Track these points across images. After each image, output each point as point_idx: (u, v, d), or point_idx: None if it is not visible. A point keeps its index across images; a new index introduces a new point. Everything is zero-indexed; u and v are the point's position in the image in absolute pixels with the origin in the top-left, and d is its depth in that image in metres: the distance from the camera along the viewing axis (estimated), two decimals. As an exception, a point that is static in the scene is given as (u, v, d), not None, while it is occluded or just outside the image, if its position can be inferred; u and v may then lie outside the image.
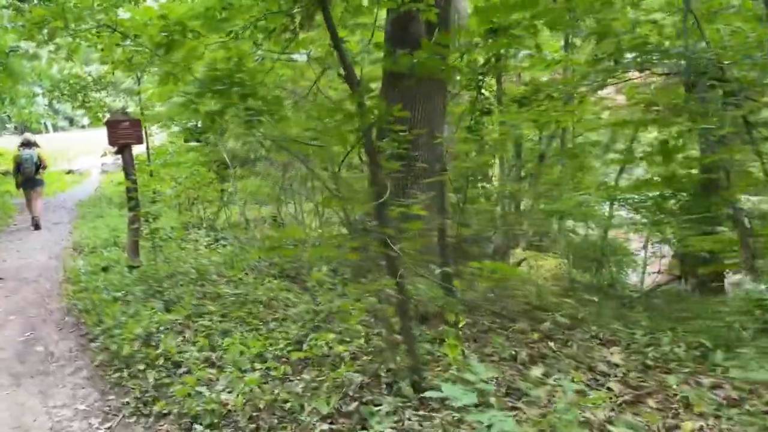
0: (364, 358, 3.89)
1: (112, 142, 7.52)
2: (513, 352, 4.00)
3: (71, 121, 52.49)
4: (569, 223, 11.94)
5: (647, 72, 7.95)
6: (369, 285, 4.44)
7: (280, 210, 9.76)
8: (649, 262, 12.33)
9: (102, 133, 26.73)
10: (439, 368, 3.64)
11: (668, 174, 9.14)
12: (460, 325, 3.95)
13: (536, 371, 3.72)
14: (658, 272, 11.74)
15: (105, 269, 6.99)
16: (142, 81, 16.63)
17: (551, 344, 4.22)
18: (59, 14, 6.97)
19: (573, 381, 3.37)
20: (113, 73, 16.96)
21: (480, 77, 8.22)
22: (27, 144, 11.59)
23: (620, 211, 10.49)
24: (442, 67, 3.68)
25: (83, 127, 52.83)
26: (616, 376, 3.59)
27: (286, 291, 5.76)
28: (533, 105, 7.64)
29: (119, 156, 16.97)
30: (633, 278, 12.77)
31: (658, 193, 9.24)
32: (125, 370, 4.28)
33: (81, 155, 27.18)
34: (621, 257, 13.07)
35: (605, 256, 12.00)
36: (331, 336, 4.15)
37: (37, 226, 11.56)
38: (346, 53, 3.66)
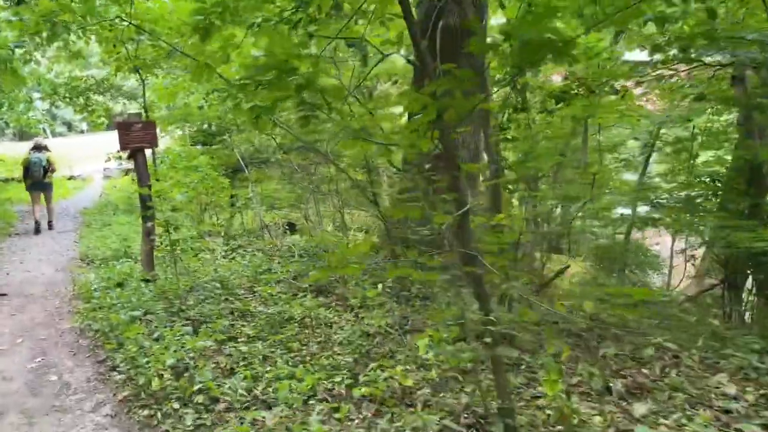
0: (441, 395, 3.33)
1: (123, 146, 6.97)
2: (606, 383, 3.45)
3: (69, 126, 51.84)
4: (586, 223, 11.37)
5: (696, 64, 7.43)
6: (448, 311, 3.87)
7: (307, 216, 9.17)
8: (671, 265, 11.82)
9: (103, 137, 26.31)
10: (533, 409, 3.08)
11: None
12: (563, 357, 3.38)
13: (641, 408, 3.16)
14: (693, 276, 11.20)
15: (120, 285, 6.42)
16: (147, 83, 16.12)
17: (645, 371, 3.66)
18: (67, 6, 6.41)
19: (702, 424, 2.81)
20: (116, 75, 16.46)
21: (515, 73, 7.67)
22: (38, 148, 11.67)
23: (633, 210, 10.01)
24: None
25: (82, 132, 52.22)
26: (746, 415, 3.04)
27: (324, 309, 5.19)
28: (574, 100, 7.10)
29: (121, 162, 16.51)
30: (656, 282, 12.25)
31: (696, 191, 8.74)
32: (155, 407, 3.71)
33: (82, 161, 26.57)
34: (644, 259, 12.56)
35: (631, 257, 11.49)
36: (399, 368, 3.58)
37: (37, 229, 11.58)
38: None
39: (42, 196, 11.72)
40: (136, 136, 6.90)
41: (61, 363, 4.87)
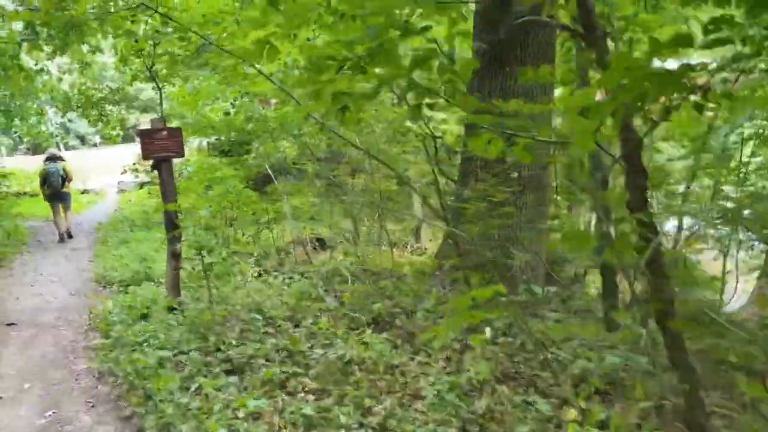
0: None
1: (146, 155, 6.14)
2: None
3: (83, 140, 51.49)
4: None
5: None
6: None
7: (357, 230, 8.28)
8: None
9: (116, 151, 25.78)
10: None
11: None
12: None
13: None
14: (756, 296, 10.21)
15: (145, 316, 5.55)
16: (163, 90, 15.39)
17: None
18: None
19: None
20: (131, 84, 15.74)
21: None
22: (52, 158, 11.66)
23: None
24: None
25: (95, 145, 51.80)
26: None
27: (391, 348, 4.30)
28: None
29: (137, 174, 15.72)
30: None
31: None
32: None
33: (96, 174, 25.93)
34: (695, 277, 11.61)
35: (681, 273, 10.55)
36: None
37: (62, 239, 11.71)
38: None
39: (60, 206, 11.78)
40: (160, 145, 6.08)
41: (76, 418, 4.01)
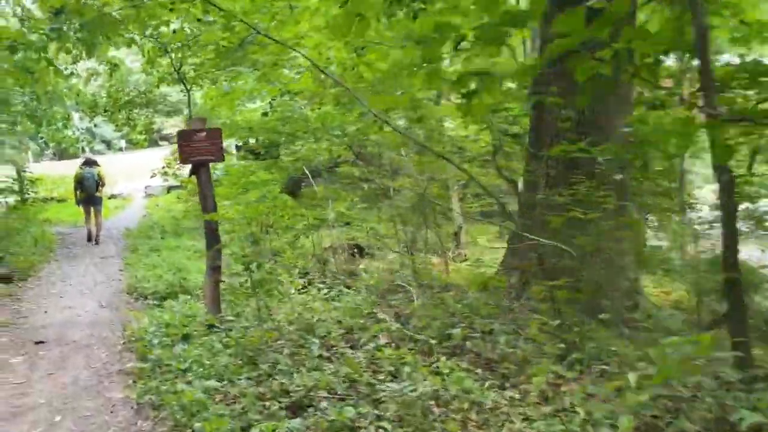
0: None
1: (185, 159, 5.63)
2: None
3: (108, 145, 51.69)
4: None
5: None
6: None
7: (408, 237, 7.69)
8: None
9: (142, 155, 25.69)
10: None
11: None
12: None
13: None
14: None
15: (186, 337, 5.02)
16: (191, 92, 14.97)
17: None
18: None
19: None
20: (158, 87, 15.36)
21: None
22: (88, 163, 12.12)
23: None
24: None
25: (120, 150, 51.91)
26: None
27: (475, 381, 3.70)
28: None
29: (167, 178, 15.31)
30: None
31: None
32: None
33: (122, 179, 25.77)
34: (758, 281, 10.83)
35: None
36: None
37: (90, 239, 12.09)
38: None
39: (93, 209, 12.11)
40: (199, 147, 5.56)
41: (115, 464, 3.48)
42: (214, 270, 5.69)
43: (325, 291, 6.76)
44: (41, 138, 26.10)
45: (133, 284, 7.99)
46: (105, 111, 14.27)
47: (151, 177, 14.11)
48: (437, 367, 3.99)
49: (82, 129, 41.86)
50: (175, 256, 9.02)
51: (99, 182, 11.93)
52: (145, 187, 21.61)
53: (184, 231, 11.73)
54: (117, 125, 15.15)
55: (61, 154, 46.98)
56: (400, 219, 8.76)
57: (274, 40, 4.66)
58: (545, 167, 5.41)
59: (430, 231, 9.41)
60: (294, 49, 4.42)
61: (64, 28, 14.85)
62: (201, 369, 4.21)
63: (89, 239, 12.08)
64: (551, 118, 5.43)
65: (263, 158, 13.66)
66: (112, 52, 18.52)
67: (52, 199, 19.34)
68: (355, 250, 10.39)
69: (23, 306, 7.68)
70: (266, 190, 9.14)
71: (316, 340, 4.61)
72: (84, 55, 17.17)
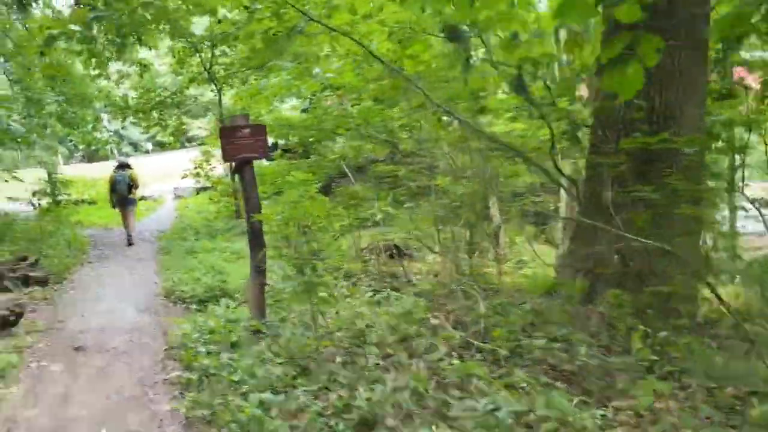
0: None
1: (228, 157, 5.37)
2: None
3: (135, 146, 52.14)
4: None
5: None
6: None
7: (472, 234, 7.35)
8: None
9: (170, 157, 25.60)
10: None
11: None
12: None
13: None
14: None
15: (234, 345, 4.74)
16: (221, 92, 14.82)
17: None
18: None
19: None
20: (188, 87, 15.24)
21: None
22: (122, 166, 12.30)
23: None
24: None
25: (147, 152, 52.29)
26: None
27: (561, 398, 3.35)
28: None
29: (198, 179, 15.13)
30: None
31: None
32: None
33: (151, 181, 25.82)
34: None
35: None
36: None
37: (129, 243, 12.16)
38: None
39: (127, 210, 12.27)
40: (243, 144, 5.29)
41: (168, 485, 3.21)
42: (259, 273, 5.42)
43: (371, 294, 6.47)
44: (71, 141, 26.31)
45: (171, 287, 7.77)
46: (136, 112, 14.15)
47: (182, 178, 13.98)
48: (511, 381, 3.66)
49: (111, 131, 42.26)
50: (212, 258, 8.80)
51: (131, 185, 12.11)
52: (174, 189, 21.56)
53: (217, 232, 11.52)
54: (148, 126, 15.02)
55: (90, 157, 47.53)
56: (441, 219, 8.44)
57: (328, 27, 4.36)
58: (613, 161, 5.03)
59: (474, 230, 9.09)
60: (352, 38, 4.14)
61: (100, 27, 14.83)
62: (253, 381, 3.92)
63: (129, 243, 12.19)
64: (617, 109, 5.05)
65: (302, 157, 13.44)
66: (142, 53, 18.57)
67: (83, 201, 19.37)
68: (394, 251, 10.08)
69: (59, 310, 7.51)
70: (303, 190, 8.87)
71: (374, 349, 4.30)
72: (114, 56, 17.25)
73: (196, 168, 13.45)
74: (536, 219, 12.89)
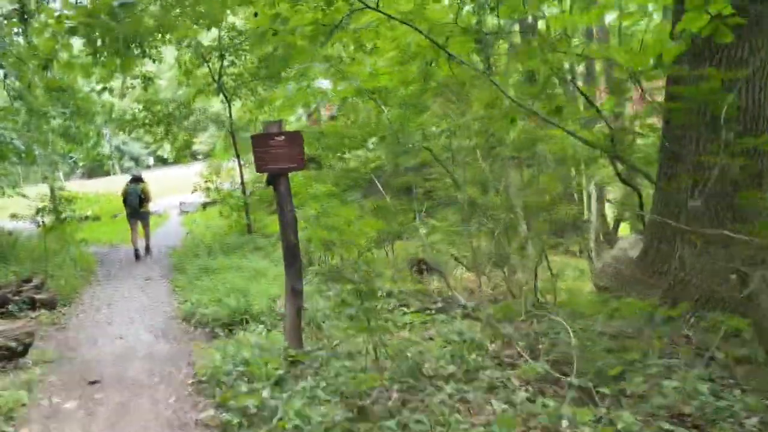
0: None
1: (261, 167, 4.83)
2: None
3: (137, 161, 51.71)
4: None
5: None
6: None
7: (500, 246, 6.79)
8: None
9: (171, 171, 25.20)
10: None
11: None
12: None
13: None
14: None
15: (279, 383, 4.16)
16: (232, 104, 14.31)
17: None
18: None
19: None
20: (194, 100, 14.71)
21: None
22: (135, 180, 12.36)
23: None
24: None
25: (148, 167, 51.80)
26: None
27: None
28: None
29: (208, 194, 14.56)
30: None
31: None
32: None
33: (155, 195, 25.30)
34: None
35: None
36: None
37: (137, 256, 12.21)
38: None
39: (139, 223, 12.35)
40: (278, 154, 4.75)
41: None
42: (295, 294, 4.86)
43: (413, 315, 5.92)
44: (71, 157, 25.79)
45: (190, 310, 7.20)
46: (143, 125, 13.63)
47: (192, 192, 13.49)
48: (611, 422, 3.10)
49: (112, 147, 41.70)
50: (231, 277, 8.23)
51: (143, 198, 12.12)
52: (180, 204, 21.02)
53: (231, 249, 10.96)
54: (155, 141, 14.50)
55: (91, 173, 47.04)
56: (470, 232, 7.93)
57: (388, 15, 3.86)
58: (692, 168, 4.50)
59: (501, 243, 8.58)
60: (416, 27, 3.66)
61: (104, 40, 14.34)
62: (308, 427, 3.35)
63: (137, 258, 12.22)
64: (695, 111, 4.52)
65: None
66: (145, 66, 18.11)
67: (86, 218, 18.82)
68: (423, 266, 9.54)
69: (70, 336, 6.96)
70: (327, 203, 8.35)
71: (436, 383, 3.74)
72: (119, 69, 16.75)
73: (206, 182, 12.92)
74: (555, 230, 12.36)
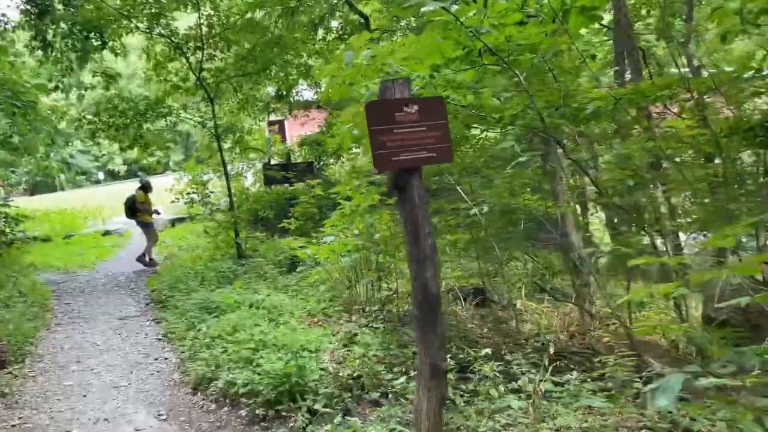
0: None
1: (382, 163, 2.82)
2: None
3: (85, 175, 48.26)
4: None
5: None
6: None
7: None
8: None
9: (125, 186, 23.00)
10: None
11: None
12: None
13: None
14: None
15: None
16: (215, 102, 12.14)
17: None
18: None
19: None
20: (167, 97, 12.44)
21: None
22: (141, 187, 11.88)
23: None
24: None
25: (98, 182, 48.15)
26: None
27: None
28: None
29: (190, 197, 12.28)
30: None
31: None
32: None
33: (110, 213, 22.67)
34: None
35: None
36: None
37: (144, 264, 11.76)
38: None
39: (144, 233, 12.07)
40: (410, 138, 2.77)
41: None
42: (436, 375, 2.86)
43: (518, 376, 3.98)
44: (13, 171, 22.89)
45: (202, 373, 5.04)
46: (109, 127, 11.30)
47: (171, 202, 11.34)
48: None
49: (59, 159, 38.40)
50: (244, 318, 6.11)
51: (134, 207, 11.64)
52: (144, 222, 18.47)
53: (226, 277, 8.81)
54: (122, 147, 12.18)
55: (33, 190, 43.08)
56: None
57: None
58: None
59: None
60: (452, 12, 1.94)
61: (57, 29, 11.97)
62: None
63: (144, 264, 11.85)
64: None
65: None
66: (107, 62, 15.74)
67: (35, 238, 16.18)
68: (479, 297, 7.60)
69: (25, 416, 4.75)
70: (372, 218, 6.35)
71: None
72: (76, 65, 14.35)
73: (189, 194, 10.69)
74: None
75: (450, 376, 4.40)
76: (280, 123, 22.53)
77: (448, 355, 4.99)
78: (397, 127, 2.77)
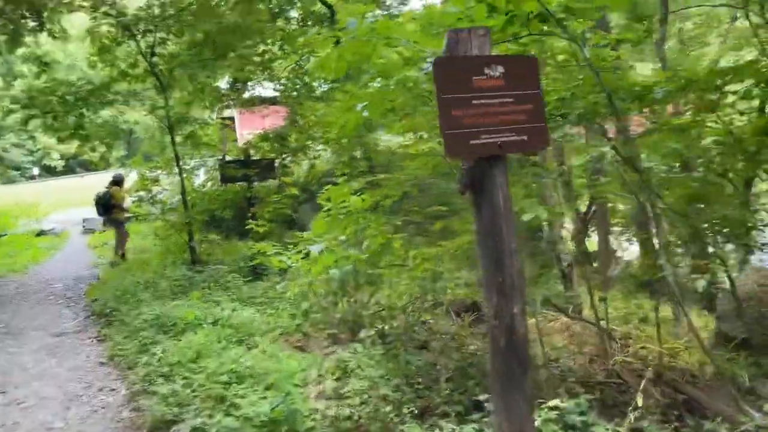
0: None
1: (457, 149, 1.94)
2: None
3: (19, 171, 45.29)
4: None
5: None
6: None
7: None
8: None
9: (60, 183, 21.73)
10: None
11: None
12: None
13: None
14: None
15: None
16: (168, 91, 10.98)
17: None
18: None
19: None
20: (113, 84, 11.17)
21: None
22: (113, 182, 11.36)
23: None
24: None
25: (32, 177, 45.24)
26: None
27: None
28: None
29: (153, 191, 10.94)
30: None
31: None
32: None
33: (47, 211, 20.96)
34: None
35: None
36: None
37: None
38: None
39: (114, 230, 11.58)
40: (493, 112, 1.92)
41: None
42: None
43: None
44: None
45: (163, 416, 4.02)
46: (45, 113, 9.97)
47: (136, 192, 10.03)
48: None
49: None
50: (210, 338, 5.11)
51: (107, 204, 11.06)
52: (84, 221, 16.98)
53: (182, 286, 7.73)
54: (60, 139, 10.87)
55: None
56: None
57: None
58: None
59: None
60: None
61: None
62: None
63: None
64: None
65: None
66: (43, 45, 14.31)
67: None
68: (462, 310, 6.82)
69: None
70: (366, 222, 5.45)
71: None
72: (4, 48, 12.98)
73: (136, 191, 9.52)
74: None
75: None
76: (231, 120, 21.46)
77: (463, 391, 4.17)
78: (477, 97, 1.92)
